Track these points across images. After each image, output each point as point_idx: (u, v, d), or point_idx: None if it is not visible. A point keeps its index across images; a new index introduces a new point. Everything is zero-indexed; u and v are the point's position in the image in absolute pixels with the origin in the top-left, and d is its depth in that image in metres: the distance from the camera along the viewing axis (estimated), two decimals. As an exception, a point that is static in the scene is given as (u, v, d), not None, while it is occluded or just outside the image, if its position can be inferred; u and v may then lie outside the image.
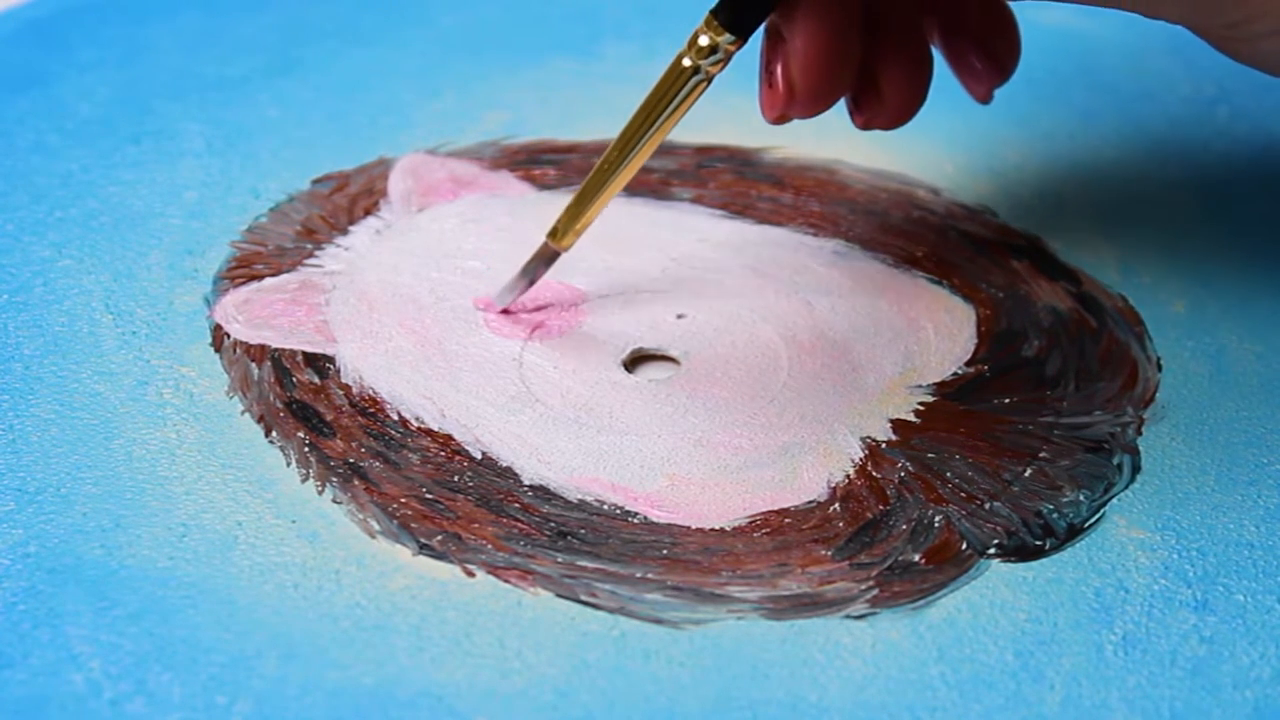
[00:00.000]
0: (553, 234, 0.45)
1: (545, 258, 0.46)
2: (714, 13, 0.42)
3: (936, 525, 0.41)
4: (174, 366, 0.45)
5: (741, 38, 0.42)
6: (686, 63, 0.42)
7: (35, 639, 0.37)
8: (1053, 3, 0.43)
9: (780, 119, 0.43)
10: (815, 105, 0.43)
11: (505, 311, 0.47)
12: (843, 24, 0.42)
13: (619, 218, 0.51)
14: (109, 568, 0.39)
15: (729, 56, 0.42)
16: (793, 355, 0.46)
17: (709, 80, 0.42)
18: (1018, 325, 0.47)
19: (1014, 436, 0.44)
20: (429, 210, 0.51)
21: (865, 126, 0.45)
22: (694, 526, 0.41)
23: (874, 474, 0.42)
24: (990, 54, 0.46)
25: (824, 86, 0.42)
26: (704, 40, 0.42)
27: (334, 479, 0.42)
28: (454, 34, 0.60)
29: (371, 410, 0.44)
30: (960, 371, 0.46)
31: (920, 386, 0.45)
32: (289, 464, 0.42)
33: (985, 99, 0.46)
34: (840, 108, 0.44)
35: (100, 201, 0.51)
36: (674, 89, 0.43)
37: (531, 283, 0.46)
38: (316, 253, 0.49)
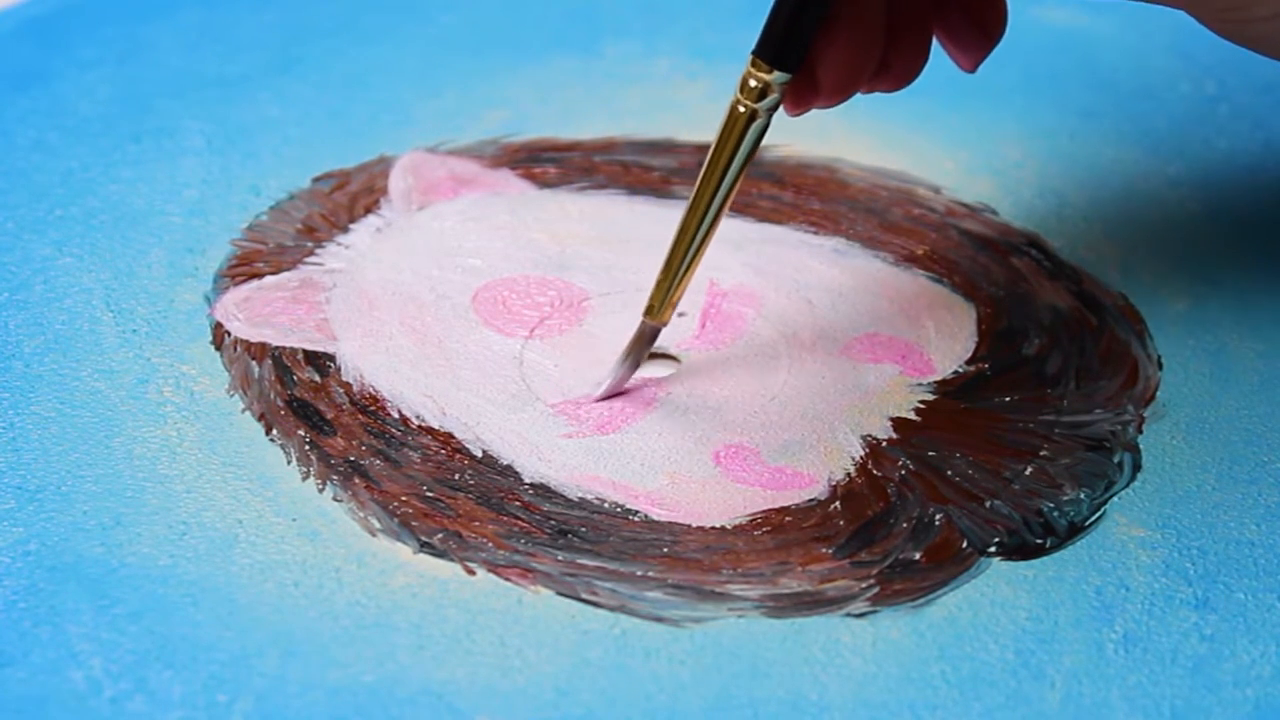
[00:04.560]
0: (649, 312, 0.43)
1: (646, 337, 0.44)
2: (757, 54, 0.41)
3: (937, 523, 0.41)
4: (174, 364, 0.45)
5: (791, 73, 0.41)
6: (741, 109, 0.41)
7: (36, 637, 0.37)
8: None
9: (802, 113, 0.43)
10: (839, 99, 0.43)
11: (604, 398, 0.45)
12: (873, 33, 0.42)
13: (620, 216, 0.51)
14: (109, 566, 0.39)
15: (783, 93, 0.41)
16: (793, 353, 0.46)
17: (768, 120, 0.42)
18: (1018, 323, 0.47)
19: (1015, 435, 0.44)
20: (429, 208, 0.51)
21: (868, 92, 0.44)
22: (694, 524, 0.41)
23: (875, 472, 0.42)
24: (979, 23, 0.45)
25: (851, 86, 0.42)
26: (753, 83, 0.41)
27: (334, 477, 0.42)
28: (454, 32, 0.60)
29: (372, 408, 0.44)
30: (961, 370, 0.46)
31: (921, 385, 0.45)
32: (289, 462, 0.42)
33: (972, 69, 0.46)
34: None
35: (101, 199, 0.51)
36: (733, 138, 0.42)
37: (636, 365, 0.44)
38: (317, 251, 0.49)
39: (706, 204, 0.42)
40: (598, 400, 0.44)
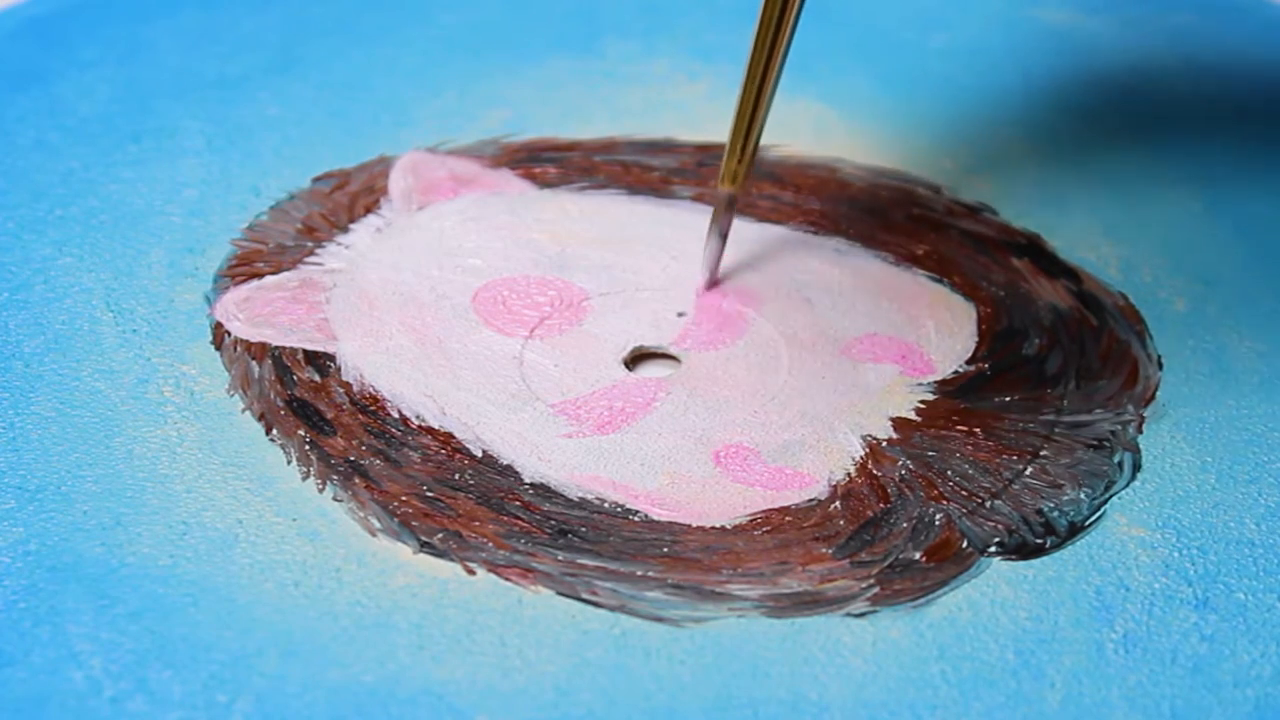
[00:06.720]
0: (726, 180, 0.45)
1: (723, 205, 0.46)
2: None
3: (937, 523, 0.41)
4: (174, 364, 0.45)
5: None
6: None
7: (36, 637, 0.37)
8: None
9: None
10: None
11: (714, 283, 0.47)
12: None
13: (620, 216, 0.51)
14: (109, 565, 0.39)
15: None
16: (793, 353, 0.46)
17: None
18: (1018, 323, 0.47)
19: (1015, 434, 0.44)
20: (429, 208, 0.51)
21: None
22: (694, 524, 0.41)
23: (875, 472, 0.42)
24: None
25: None
26: None
27: (334, 477, 0.42)
28: (454, 32, 0.60)
29: (372, 408, 0.44)
30: (961, 369, 0.46)
31: (921, 384, 0.45)
32: (289, 462, 0.42)
33: None
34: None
35: (101, 199, 0.51)
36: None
37: (724, 235, 0.46)
38: (317, 251, 0.49)
39: (764, 64, 0.43)
40: (706, 288, 0.46)
